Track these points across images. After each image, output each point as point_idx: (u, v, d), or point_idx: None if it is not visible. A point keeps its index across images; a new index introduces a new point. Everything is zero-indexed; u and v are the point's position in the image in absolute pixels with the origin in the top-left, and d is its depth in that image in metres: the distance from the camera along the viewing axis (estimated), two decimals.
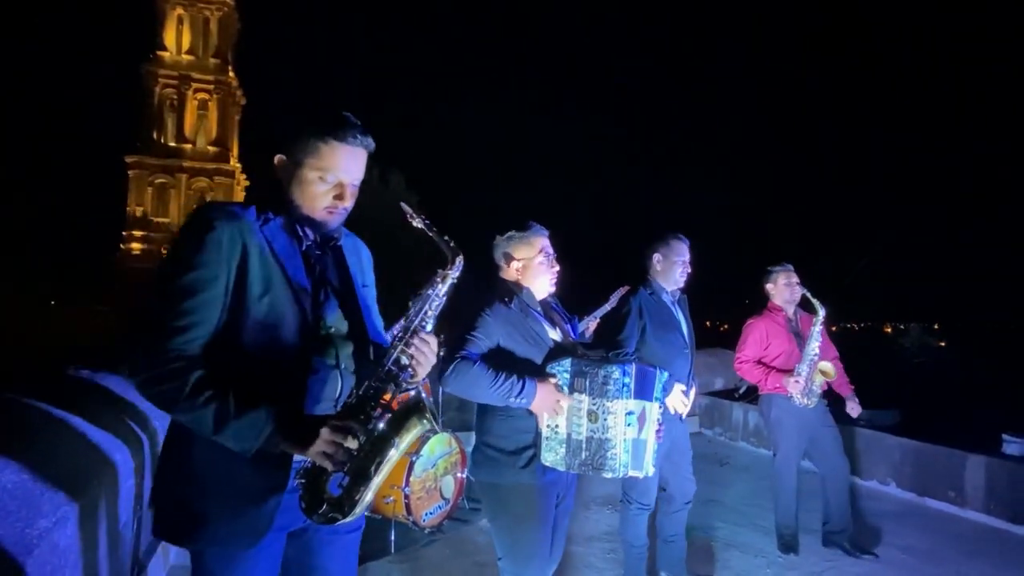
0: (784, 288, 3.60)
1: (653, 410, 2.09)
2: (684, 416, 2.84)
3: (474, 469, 2.15)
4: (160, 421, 2.78)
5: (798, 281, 3.59)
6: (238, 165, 45.75)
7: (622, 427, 1.95)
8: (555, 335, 2.16)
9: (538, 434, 2.02)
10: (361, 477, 1.29)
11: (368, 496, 1.31)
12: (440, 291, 1.45)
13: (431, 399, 1.39)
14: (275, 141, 1.44)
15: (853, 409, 3.57)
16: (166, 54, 43.85)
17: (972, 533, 3.98)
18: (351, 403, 1.34)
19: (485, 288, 2.15)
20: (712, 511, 4.18)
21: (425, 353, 1.39)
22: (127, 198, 43.65)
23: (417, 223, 1.44)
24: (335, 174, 1.39)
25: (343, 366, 1.44)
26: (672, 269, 2.92)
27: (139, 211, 43.45)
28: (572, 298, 2.60)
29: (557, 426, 2.00)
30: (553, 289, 2.25)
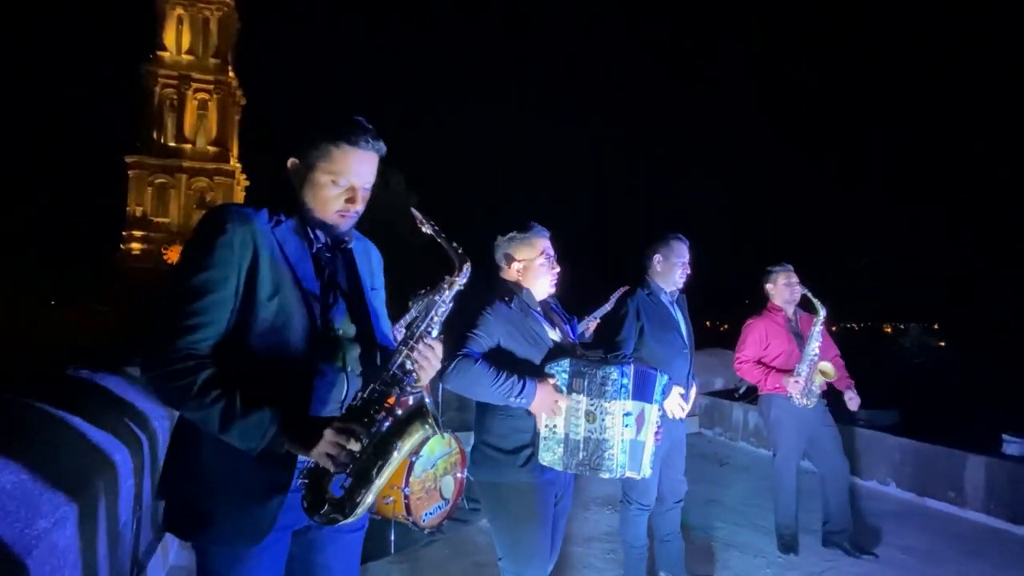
0: (784, 288, 3.60)
1: (652, 412, 2.08)
2: (683, 418, 2.84)
3: (473, 468, 2.15)
4: (160, 421, 2.79)
5: (798, 281, 3.58)
6: (238, 165, 45.82)
7: (620, 428, 1.95)
8: (555, 335, 2.16)
9: (536, 434, 2.03)
10: (363, 479, 1.31)
11: (369, 498, 1.32)
12: (447, 297, 1.46)
13: (432, 400, 1.40)
14: (286, 145, 1.45)
15: (852, 400, 3.50)
16: (166, 54, 43.94)
17: (972, 533, 3.98)
18: (355, 406, 1.35)
19: (485, 288, 2.15)
20: (712, 511, 4.18)
21: (430, 359, 1.40)
22: (127, 198, 43.75)
23: (427, 229, 1.44)
24: (347, 178, 1.40)
25: (349, 369, 1.45)
26: (672, 270, 2.92)
27: (139, 211, 43.54)
28: (572, 298, 2.60)
29: (555, 426, 2.00)
30: (553, 290, 2.25)
